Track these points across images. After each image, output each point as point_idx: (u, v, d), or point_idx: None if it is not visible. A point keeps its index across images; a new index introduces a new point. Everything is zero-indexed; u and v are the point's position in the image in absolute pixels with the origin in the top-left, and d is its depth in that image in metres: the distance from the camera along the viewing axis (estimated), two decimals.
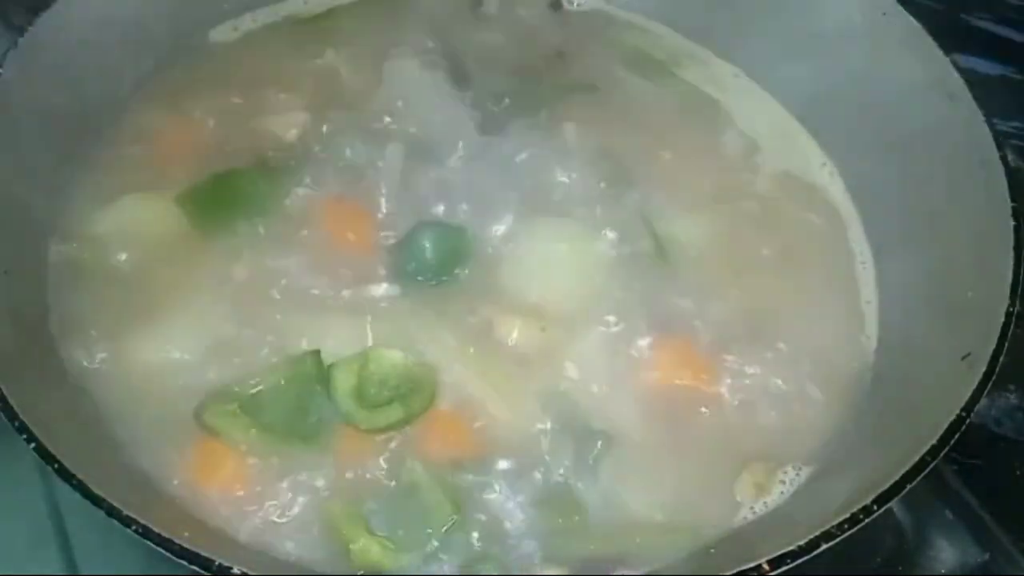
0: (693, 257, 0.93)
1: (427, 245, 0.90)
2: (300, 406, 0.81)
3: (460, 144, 0.99)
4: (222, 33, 1.10)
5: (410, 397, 0.81)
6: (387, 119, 1.00)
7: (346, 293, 0.88)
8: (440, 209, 0.93)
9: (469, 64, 1.06)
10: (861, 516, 0.67)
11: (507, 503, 0.79)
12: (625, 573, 0.76)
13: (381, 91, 1.02)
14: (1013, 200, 0.82)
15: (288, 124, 1.00)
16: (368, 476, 0.79)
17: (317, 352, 0.82)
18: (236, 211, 0.92)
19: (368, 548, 0.75)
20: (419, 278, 0.89)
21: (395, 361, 0.83)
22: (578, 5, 1.17)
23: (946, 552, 0.91)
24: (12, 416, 0.68)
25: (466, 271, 0.90)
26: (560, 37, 1.12)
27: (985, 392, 0.73)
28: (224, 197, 0.93)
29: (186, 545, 0.63)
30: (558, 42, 1.12)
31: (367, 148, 0.97)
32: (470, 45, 1.08)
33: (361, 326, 0.85)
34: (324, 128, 0.99)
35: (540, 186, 0.96)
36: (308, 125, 1.00)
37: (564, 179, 0.97)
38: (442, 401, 0.82)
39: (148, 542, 0.63)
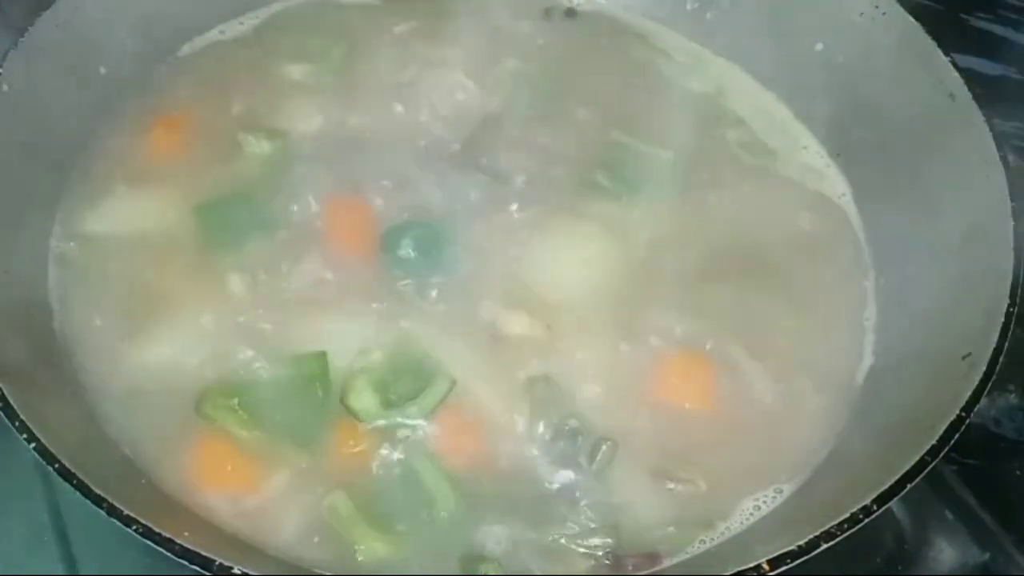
0: (697, 260, 0.93)
1: (405, 243, 0.90)
2: (302, 405, 0.81)
3: (468, 144, 0.99)
4: (227, 31, 1.10)
5: (423, 394, 0.81)
6: (395, 120, 1.01)
7: (351, 293, 0.88)
8: (447, 207, 0.93)
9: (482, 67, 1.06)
10: (861, 516, 0.67)
11: (507, 500, 0.79)
12: (625, 573, 0.76)
13: (393, 91, 1.03)
14: (1013, 200, 0.83)
15: (299, 124, 1.00)
16: (370, 473, 0.79)
17: (324, 354, 0.82)
18: (245, 223, 0.92)
19: (374, 547, 0.76)
20: (407, 277, 0.89)
21: (405, 359, 0.83)
22: (578, 5, 1.17)
23: (946, 552, 0.91)
24: (12, 416, 0.68)
25: (472, 268, 0.90)
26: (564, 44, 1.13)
27: (985, 392, 0.73)
28: (233, 214, 0.93)
29: (186, 545, 0.63)
30: (565, 47, 1.12)
31: (375, 149, 0.97)
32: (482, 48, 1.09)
33: (368, 326, 0.85)
34: (333, 130, 0.99)
35: (555, 187, 0.96)
36: (320, 126, 1.00)
37: (581, 181, 0.97)
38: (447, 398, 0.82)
39: (148, 542, 0.63)
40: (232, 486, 0.78)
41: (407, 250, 0.90)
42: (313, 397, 0.81)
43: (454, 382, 0.82)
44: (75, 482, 0.65)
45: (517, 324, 0.87)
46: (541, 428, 0.82)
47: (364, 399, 0.80)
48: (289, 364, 0.83)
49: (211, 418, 0.80)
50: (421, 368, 0.83)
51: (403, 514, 0.78)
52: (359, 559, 0.75)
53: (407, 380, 0.82)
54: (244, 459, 0.79)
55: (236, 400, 0.81)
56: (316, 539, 0.76)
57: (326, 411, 0.81)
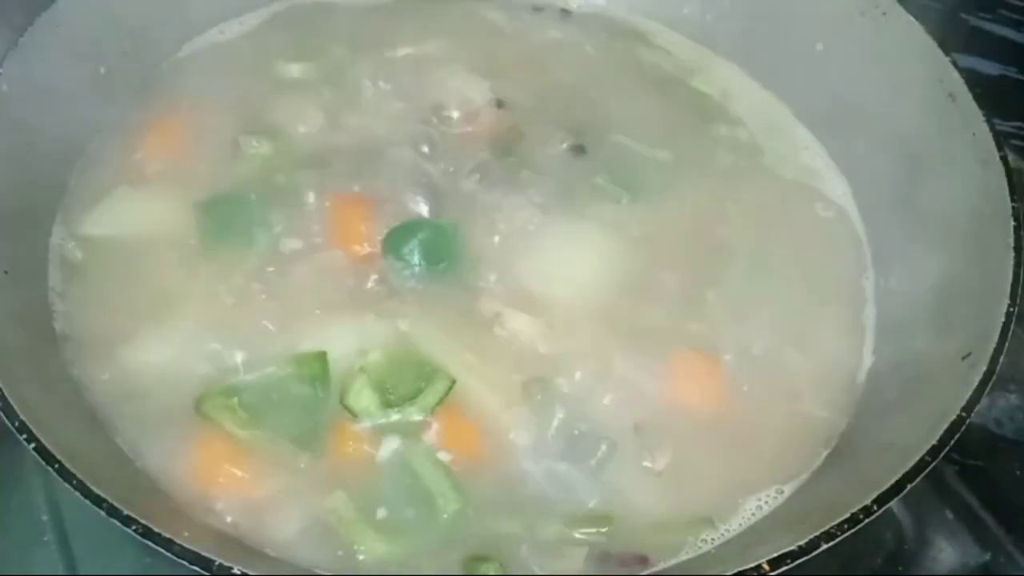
0: (697, 261, 0.93)
1: (409, 244, 0.90)
2: (302, 405, 0.81)
3: (467, 145, 0.99)
4: (227, 31, 1.10)
5: (423, 394, 0.81)
6: (395, 119, 1.01)
7: (351, 293, 0.88)
8: (447, 207, 0.93)
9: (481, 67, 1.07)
10: (861, 516, 0.67)
11: (507, 499, 0.79)
12: (627, 573, 0.76)
13: (392, 91, 1.03)
14: (1013, 200, 0.83)
15: (299, 124, 1.00)
16: (370, 473, 0.79)
17: (324, 354, 0.82)
18: (245, 223, 0.92)
19: (374, 547, 0.75)
20: (408, 278, 0.89)
21: (405, 359, 0.83)
22: (578, 7, 1.17)
23: (946, 552, 0.91)
24: (12, 416, 0.68)
25: (472, 268, 0.90)
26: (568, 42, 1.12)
27: (985, 392, 0.73)
28: (233, 214, 0.92)
29: (186, 545, 0.63)
30: (565, 46, 1.12)
31: (375, 148, 0.97)
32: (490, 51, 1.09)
33: (368, 326, 0.85)
34: (334, 129, 0.99)
35: (555, 188, 0.96)
36: (320, 125, 1.00)
37: (581, 182, 0.97)
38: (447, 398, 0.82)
39: (148, 542, 0.63)
40: (232, 485, 0.78)
41: (410, 251, 0.89)
42: (313, 397, 0.81)
43: (454, 382, 0.82)
44: (75, 482, 0.65)
45: (517, 324, 0.87)
46: (540, 427, 0.82)
47: (363, 399, 0.80)
48: (289, 364, 0.83)
49: (211, 418, 0.80)
50: (421, 368, 0.83)
51: (403, 514, 0.77)
52: (359, 559, 0.75)
53: (407, 380, 0.82)
54: (244, 458, 0.79)
55: (236, 400, 0.81)
56: (316, 539, 0.76)
57: (326, 411, 0.81)
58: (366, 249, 0.91)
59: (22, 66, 0.88)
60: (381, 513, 0.77)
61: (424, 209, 0.93)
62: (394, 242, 0.90)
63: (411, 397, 0.81)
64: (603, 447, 0.81)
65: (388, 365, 0.82)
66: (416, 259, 0.89)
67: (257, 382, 0.82)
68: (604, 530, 0.78)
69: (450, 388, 0.81)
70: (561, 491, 0.80)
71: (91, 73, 0.98)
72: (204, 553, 0.63)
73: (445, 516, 0.77)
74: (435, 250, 0.90)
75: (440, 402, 0.81)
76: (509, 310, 0.87)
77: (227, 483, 0.78)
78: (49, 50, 0.91)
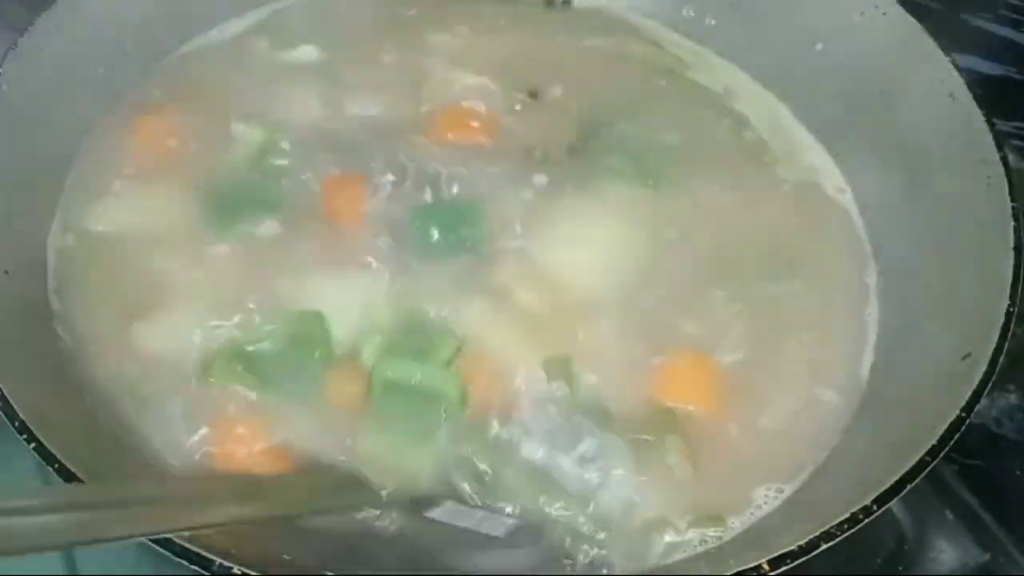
0: (699, 259, 0.93)
1: (433, 225, 0.91)
2: (299, 366, 0.83)
3: (475, 136, 1.00)
4: (226, 29, 1.10)
5: (429, 356, 0.83)
6: (398, 108, 1.01)
7: (357, 274, 0.88)
8: (461, 186, 0.94)
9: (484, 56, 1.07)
10: (861, 516, 0.67)
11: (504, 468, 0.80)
12: (627, 573, 0.76)
13: (394, 80, 1.03)
14: (1013, 200, 0.83)
15: (299, 117, 1.00)
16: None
17: (318, 313, 0.84)
18: (245, 213, 0.92)
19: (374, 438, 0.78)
20: (418, 255, 0.90)
21: (407, 345, 0.84)
22: (577, 2, 1.17)
23: (946, 552, 0.91)
24: (12, 416, 0.68)
25: (485, 245, 0.90)
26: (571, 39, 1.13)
27: (985, 392, 0.73)
28: (233, 205, 0.92)
29: (186, 545, 0.63)
30: (566, 44, 1.12)
31: (376, 137, 0.97)
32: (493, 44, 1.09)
33: (369, 310, 0.86)
34: (335, 119, 1.00)
35: (563, 181, 0.96)
36: (320, 115, 1.00)
37: (587, 181, 0.97)
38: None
39: (148, 542, 0.63)
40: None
41: (432, 231, 0.90)
42: (309, 358, 0.83)
43: (456, 347, 0.83)
44: (75, 482, 0.65)
45: (525, 299, 0.87)
46: (539, 423, 0.82)
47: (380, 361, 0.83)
48: (289, 323, 0.84)
49: (220, 381, 0.82)
50: (427, 333, 0.84)
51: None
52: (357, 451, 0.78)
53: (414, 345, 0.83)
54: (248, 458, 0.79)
55: (241, 366, 0.82)
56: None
57: (319, 371, 0.83)
58: (371, 230, 0.91)
59: (22, 66, 0.88)
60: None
61: (424, 198, 0.93)
62: (412, 225, 0.91)
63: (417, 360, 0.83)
64: (600, 446, 0.81)
65: (395, 336, 0.84)
66: (431, 237, 0.90)
67: (259, 344, 0.84)
68: (604, 533, 0.78)
69: (455, 352, 0.83)
70: (560, 489, 0.80)
71: (91, 73, 0.98)
72: (204, 553, 0.63)
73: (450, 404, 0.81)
74: (445, 230, 0.91)
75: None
76: (514, 297, 0.87)
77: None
78: (49, 50, 0.91)
